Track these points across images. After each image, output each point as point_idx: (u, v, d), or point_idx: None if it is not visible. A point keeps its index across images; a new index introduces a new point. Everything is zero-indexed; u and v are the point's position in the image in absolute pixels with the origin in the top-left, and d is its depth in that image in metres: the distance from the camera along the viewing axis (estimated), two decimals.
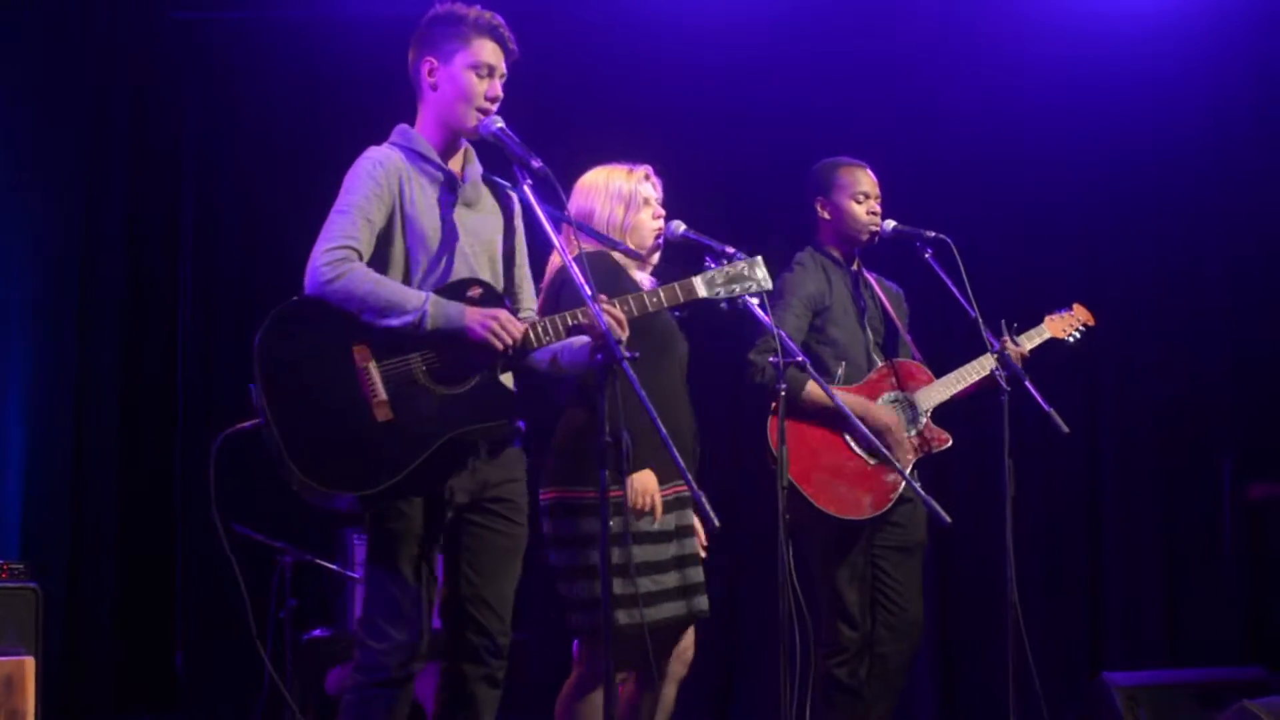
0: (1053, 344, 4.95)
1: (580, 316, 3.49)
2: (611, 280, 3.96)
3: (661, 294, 3.69)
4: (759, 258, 3.82)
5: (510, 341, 3.45)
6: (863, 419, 4.37)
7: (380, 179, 3.49)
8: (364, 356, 3.40)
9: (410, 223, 3.52)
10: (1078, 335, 5.01)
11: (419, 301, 3.42)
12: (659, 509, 3.98)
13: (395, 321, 3.39)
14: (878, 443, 4.31)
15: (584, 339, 3.56)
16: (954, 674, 6.42)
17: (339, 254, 3.39)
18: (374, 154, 3.56)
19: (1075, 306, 5.05)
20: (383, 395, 3.38)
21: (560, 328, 3.52)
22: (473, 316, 3.44)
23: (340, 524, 5.78)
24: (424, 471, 3.41)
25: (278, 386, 3.34)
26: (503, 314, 3.47)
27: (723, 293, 3.76)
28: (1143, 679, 5.31)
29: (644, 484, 3.97)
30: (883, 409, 4.65)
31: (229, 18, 6.45)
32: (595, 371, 3.40)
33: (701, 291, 3.72)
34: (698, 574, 4.08)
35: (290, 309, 3.41)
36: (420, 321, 3.40)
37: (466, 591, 3.56)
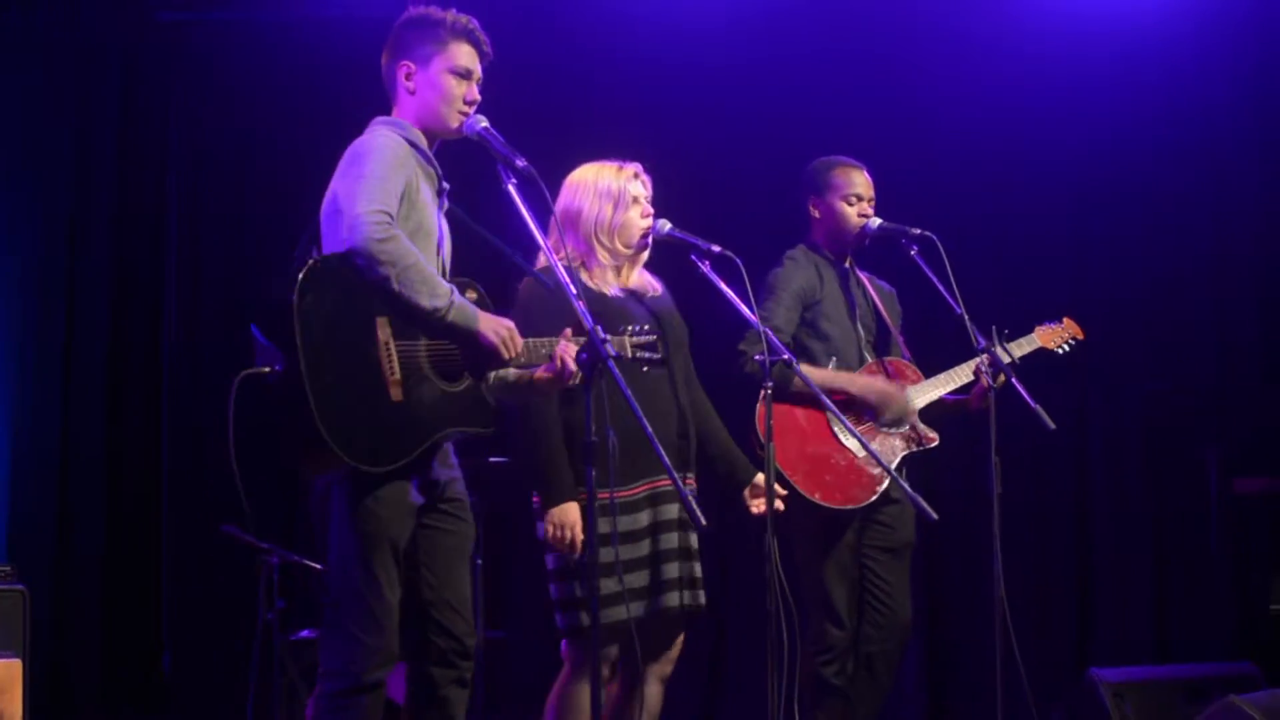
0: (1041, 352, 4.94)
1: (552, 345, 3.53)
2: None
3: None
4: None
5: (515, 354, 3.46)
6: (859, 391, 4.60)
7: (403, 160, 3.44)
8: (385, 331, 3.35)
9: (415, 211, 3.47)
10: (1068, 348, 4.99)
11: (448, 290, 3.39)
12: (577, 543, 3.90)
13: (426, 302, 3.34)
14: (868, 445, 4.34)
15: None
16: (942, 670, 6.41)
17: (385, 217, 3.31)
18: (390, 135, 3.50)
19: (1065, 320, 5.02)
20: (398, 375, 3.35)
21: (542, 353, 3.54)
22: (486, 322, 3.44)
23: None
24: (417, 462, 3.41)
25: (311, 340, 3.25)
26: (511, 324, 3.47)
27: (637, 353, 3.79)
28: (1130, 675, 5.31)
29: (562, 518, 3.92)
30: (877, 379, 4.65)
31: (214, 19, 6.44)
32: (581, 370, 3.42)
33: (623, 351, 3.75)
34: (672, 570, 4.00)
35: (326, 264, 3.32)
36: (447, 309, 3.37)
37: (428, 595, 3.51)
